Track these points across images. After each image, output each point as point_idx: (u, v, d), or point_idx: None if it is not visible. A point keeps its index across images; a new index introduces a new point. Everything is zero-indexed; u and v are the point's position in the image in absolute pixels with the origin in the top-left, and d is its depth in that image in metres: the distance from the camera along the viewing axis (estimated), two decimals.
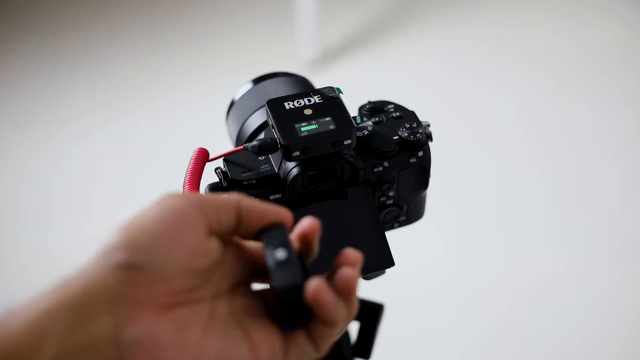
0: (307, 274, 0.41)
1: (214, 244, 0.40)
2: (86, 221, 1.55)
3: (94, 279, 0.36)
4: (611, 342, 1.32)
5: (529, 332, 1.34)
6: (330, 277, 0.42)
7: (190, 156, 0.53)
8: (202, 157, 0.53)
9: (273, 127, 0.51)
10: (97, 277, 0.37)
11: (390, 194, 0.59)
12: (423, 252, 1.44)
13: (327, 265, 0.53)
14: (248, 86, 0.64)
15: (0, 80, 1.89)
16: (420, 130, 0.57)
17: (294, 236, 0.43)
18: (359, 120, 0.58)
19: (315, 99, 0.52)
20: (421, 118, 0.59)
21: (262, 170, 0.54)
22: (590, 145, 1.67)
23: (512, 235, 1.50)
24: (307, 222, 0.42)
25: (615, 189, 1.57)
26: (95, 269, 0.37)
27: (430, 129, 0.59)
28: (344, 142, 0.51)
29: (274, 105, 0.52)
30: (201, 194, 0.42)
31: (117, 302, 0.36)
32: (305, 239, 0.42)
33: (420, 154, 0.57)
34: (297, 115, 0.51)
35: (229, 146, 0.60)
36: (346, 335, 0.72)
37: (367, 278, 0.60)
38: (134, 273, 0.37)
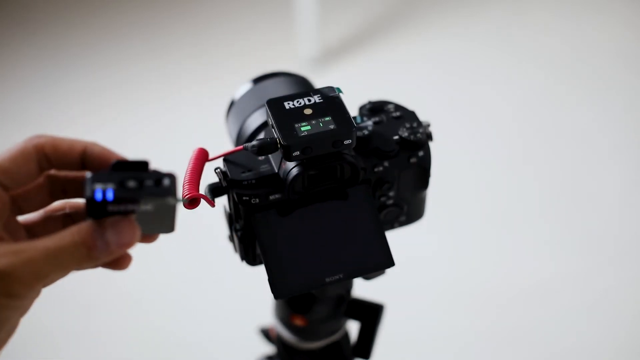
0: None
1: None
2: None
3: None
4: (607, 343, 1.32)
5: (525, 333, 1.34)
6: None
7: (190, 156, 0.53)
8: (202, 157, 0.53)
9: (273, 127, 0.51)
10: None
11: (391, 194, 0.58)
12: (423, 252, 1.44)
13: (328, 265, 0.53)
14: (248, 86, 0.63)
15: (0, 80, 1.89)
16: (420, 130, 0.57)
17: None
18: (359, 120, 0.58)
19: (316, 98, 0.52)
20: (421, 118, 0.59)
21: (262, 170, 0.54)
22: (589, 146, 1.67)
23: (512, 236, 1.50)
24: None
25: (613, 190, 1.57)
26: None
27: (431, 128, 0.59)
28: (344, 142, 0.51)
29: (274, 105, 0.52)
30: None
31: None
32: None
33: (421, 153, 0.57)
34: (297, 115, 0.51)
35: (228, 146, 0.60)
36: (346, 335, 0.72)
37: (367, 278, 0.60)
38: None
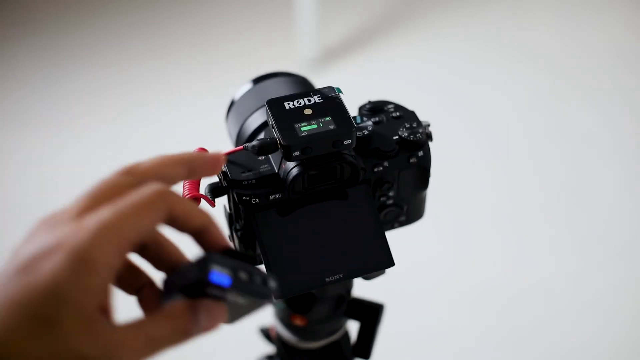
0: None
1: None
2: None
3: None
4: (607, 343, 1.32)
5: (526, 333, 1.34)
6: None
7: None
8: None
9: (273, 127, 0.51)
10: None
11: (390, 194, 0.58)
12: (423, 252, 1.44)
13: (328, 265, 0.53)
14: (248, 86, 0.63)
15: (0, 80, 1.89)
16: (420, 130, 0.57)
17: None
18: (359, 120, 0.58)
19: (315, 98, 0.52)
20: (421, 118, 0.59)
21: (262, 170, 0.54)
22: (589, 146, 1.67)
23: (512, 236, 1.50)
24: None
25: (613, 190, 1.57)
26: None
27: (431, 128, 0.59)
28: (344, 142, 0.51)
29: (274, 105, 0.52)
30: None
31: None
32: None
33: (421, 153, 0.57)
34: (297, 115, 0.51)
35: (229, 146, 0.60)
36: (346, 335, 0.72)
37: (367, 278, 0.60)
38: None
